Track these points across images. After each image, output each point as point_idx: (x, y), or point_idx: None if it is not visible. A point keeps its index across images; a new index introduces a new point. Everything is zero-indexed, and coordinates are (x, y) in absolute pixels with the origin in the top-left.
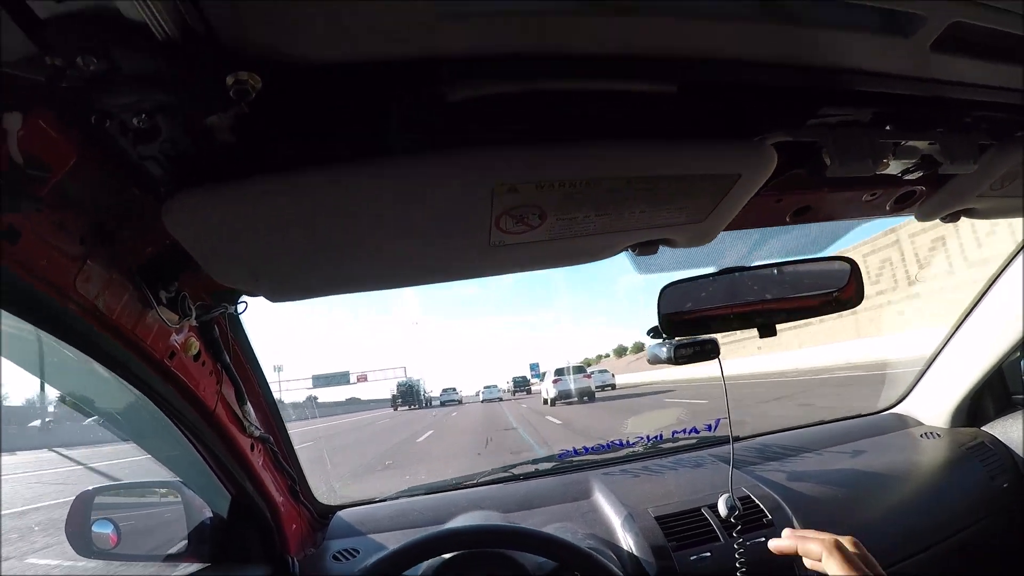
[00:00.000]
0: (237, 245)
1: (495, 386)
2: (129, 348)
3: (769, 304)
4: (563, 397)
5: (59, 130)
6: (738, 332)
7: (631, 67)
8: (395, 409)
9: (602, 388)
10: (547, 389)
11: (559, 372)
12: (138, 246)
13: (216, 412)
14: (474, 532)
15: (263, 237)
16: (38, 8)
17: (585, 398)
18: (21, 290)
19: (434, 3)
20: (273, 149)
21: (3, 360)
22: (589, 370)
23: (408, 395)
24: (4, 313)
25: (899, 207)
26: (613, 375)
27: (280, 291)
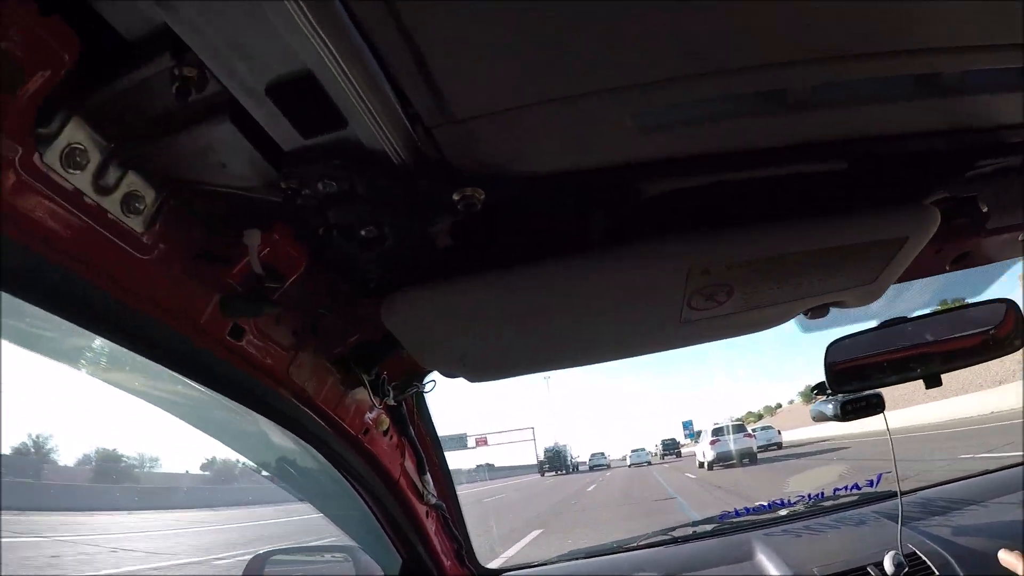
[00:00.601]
0: (448, 336)
1: (643, 449)
2: (330, 427)
3: (929, 348)
4: (721, 460)
5: (292, 242)
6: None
7: (806, 153)
8: (542, 475)
9: (766, 448)
10: (703, 451)
11: (717, 432)
12: (344, 336)
13: (399, 482)
14: None
15: (472, 328)
16: (283, 143)
17: (746, 460)
18: (241, 380)
19: (633, 119)
20: (485, 249)
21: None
22: (751, 428)
23: (555, 460)
24: (222, 398)
25: None
26: (779, 432)
27: (481, 373)
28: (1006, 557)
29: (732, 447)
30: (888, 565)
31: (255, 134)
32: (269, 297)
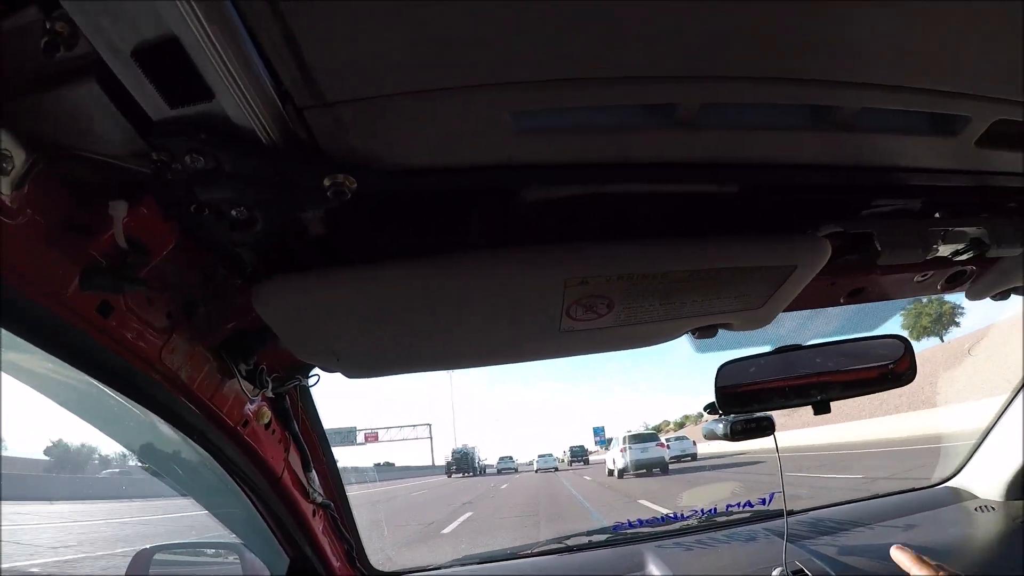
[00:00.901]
0: (321, 328)
1: (550, 455)
2: (206, 416)
3: (824, 377)
4: (632, 468)
5: (160, 218)
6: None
7: (695, 172)
8: (449, 476)
9: (680, 459)
10: (613, 459)
11: (629, 439)
12: (220, 322)
13: (283, 478)
14: None
15: (346, 322)
16: (151, 111)
17: (656, 470)
18: (109, 360)
19: (511, 120)
20: (359, 242)
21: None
22: (665, 438)
23: (463, 462)
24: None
25: (950, 286)
26: (694, 443)
27: (358, 370)
28: (898, 555)
29: (643, 456)
30: None
31: (123, 100)
32: (134, 274)
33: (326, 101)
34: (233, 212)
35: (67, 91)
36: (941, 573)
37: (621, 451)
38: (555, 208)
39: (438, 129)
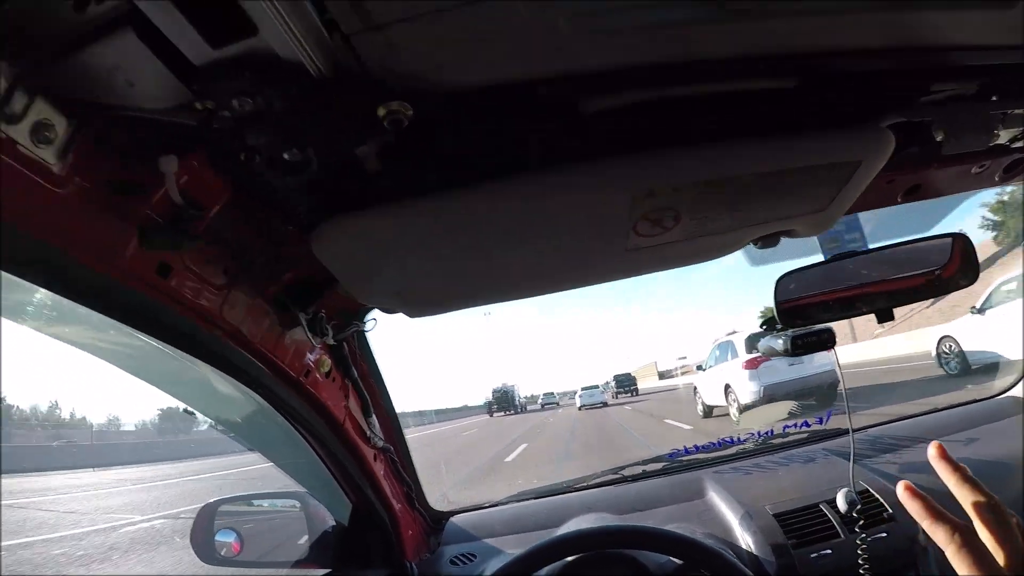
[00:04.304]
0: (383, 267)
1: (595, 387)
2: (269, 369)
3: (878, 286)
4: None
5: (212, 170)
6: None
7: (753, 67)
8: (491, 415)
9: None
10: (732, 383)
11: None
12: (277, 273)
13: (344, 425)
14: (599, 533)
15: (408, 258)
16: (193, 56)
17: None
18: (172, 321)
19: (570, 23)
20: (416, 173)
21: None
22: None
23: (503, 401)
24: (156, 340)
25: (1008, 176)
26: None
27: (420, 308)
28: (902, 492)
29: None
30: (841, 502)
31: (162, 48)
32: (191, 229)
33: (374, 23)
34: (285, 155)
35: (102, 48)
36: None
37: (749, 368)
38: (615, 118)
39: (495, 41)
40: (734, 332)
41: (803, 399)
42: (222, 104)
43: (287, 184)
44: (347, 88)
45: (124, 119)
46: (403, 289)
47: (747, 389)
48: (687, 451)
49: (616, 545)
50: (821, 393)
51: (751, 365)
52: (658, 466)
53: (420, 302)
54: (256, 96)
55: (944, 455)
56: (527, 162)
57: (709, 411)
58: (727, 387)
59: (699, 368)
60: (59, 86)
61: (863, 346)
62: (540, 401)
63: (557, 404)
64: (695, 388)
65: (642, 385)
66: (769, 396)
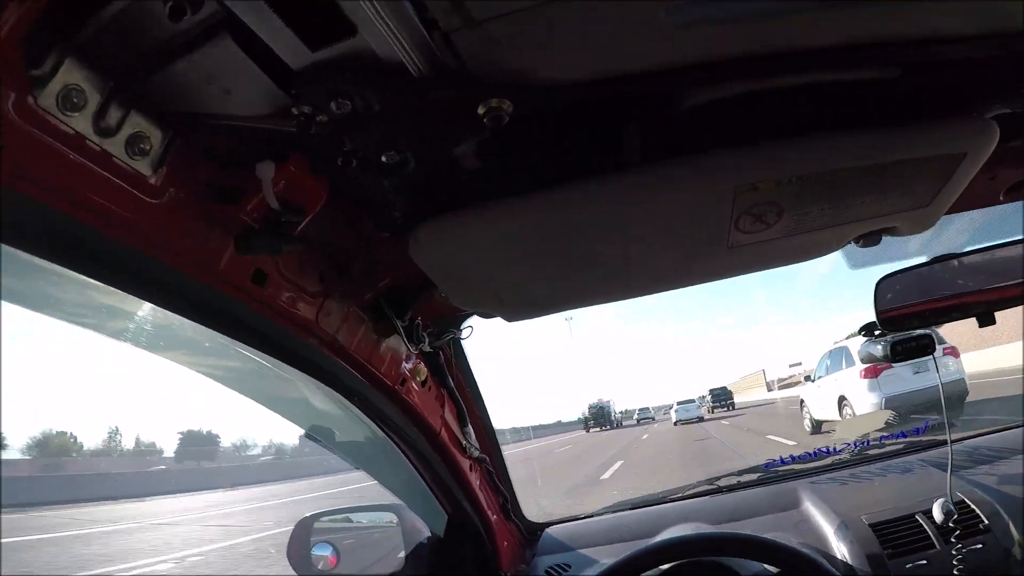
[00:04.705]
0: (482, 268)
1: (692, 401)
2: (366, 377)
3: (977, 296)
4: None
5: (309, 174)
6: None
7: (854, 56)
8: (587, 431)
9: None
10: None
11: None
12: (373, 279)
13: (440, 435)
14: (696, 540)
15: (507, 259)
16: (290, 60)
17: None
18: (268, 329)
19: (670, 15)
20: (514, 172)
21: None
22: None
23: (599, 416)
24: (248, 351)
25: None
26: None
27: (519, 311)
28: None
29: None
30: (937, 513)
31: (260, 54)
32: (289, 233)
33: (474, 19)
34: (383, 158)
35: (199, 56)
36: None
37: (869, 376)
38: (715, 112)
39: (594, 34)
40: (850, 336)
41: (927, 413)
42: (320, 108)
43: (384, 187)
44: (447, 86)
45: (220, 127)
46: (501, 291)
47: (866, 401)
48: (782, 462)
49: (712, 552)
50: (949, 405)
51: (870, 373)
52: (753, 477)
53: (518, 304)
54: (355, 98)
55: None
56: (627, 158)
57: (818, 426)
58: (841, 399)
59: (807, 379)
60: (154, 98)
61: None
62: (636, 416)
63: (652, 419)
64: (801, 401)
65: (748, 398)
66: (892, 408)
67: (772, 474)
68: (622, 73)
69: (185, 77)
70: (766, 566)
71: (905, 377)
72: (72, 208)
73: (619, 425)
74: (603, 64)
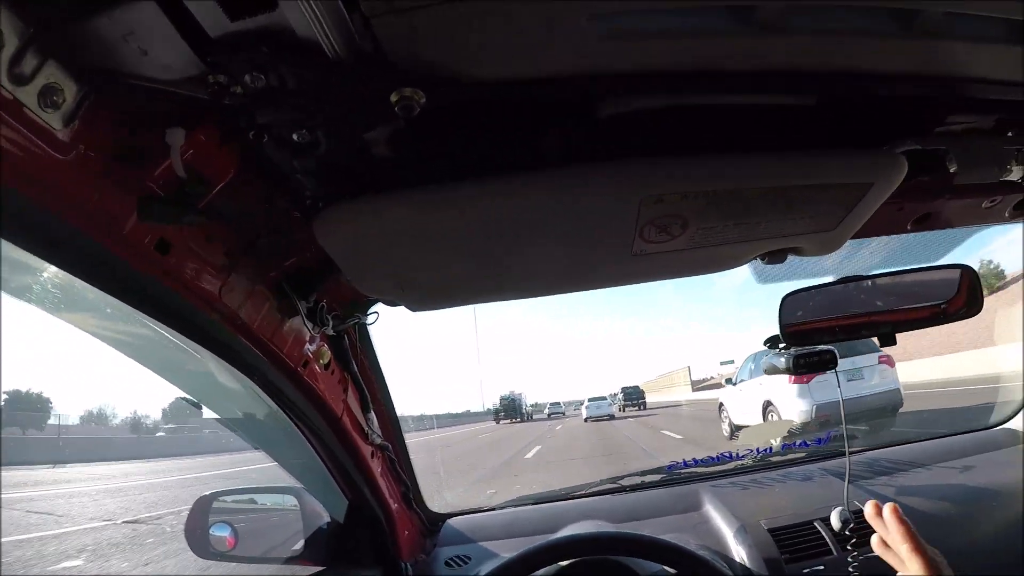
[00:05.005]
0: (386, 256)
1: (603, 398)
2: (267, 356)
3: (882, 316)
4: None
5: (219, 146)
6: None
7: (774, 81)
8: (497, 422)
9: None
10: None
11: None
12: (280, 258)
13: (342, 419)
14: (595, 539)
15: (412, 248)
16: (209, 27)
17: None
18: (168, 299)
19: (594, 24)
20: (425, 162)
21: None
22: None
23: (511, 408)
24: (151, 322)
25: (1018, 213)
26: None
27: (423, 301)
28: (889, 514)
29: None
30: (835, 520)
31: (179, 17)
32: (193, 204)
33: (396, 7)
34: (295, 136)
35: (120, 14)
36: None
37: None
38: (631, 122)
39: (516, 36)
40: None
41: (859, 423)
42: (235, 79)
43: (294, 166)
44: (362, 71)
45: (134, 88)
46: (405, 280)
47: (795, 407)
48: (685, 464)
49: (610, 551)
50: (883, 414)
51: (801, 379)
52: (656, 477)
53: (421, 295)
54: (270, 73)
55: (880, 513)
56: (537, 160)
57: (737, 432)
58: (767, 404)
59: (728, 382)
60: (71, 50)
61: (926, 364)
62: (547, 410)
63: (563, 414)
64: (720, 405)
65: (667, 398)
66: (822, 417)
67: (675, 476)
68: (542, 76)
69: (104, 32)
70: (664, 567)
71: (836, 385)
72: None
73: (530, 418)
74: (523, 66)
